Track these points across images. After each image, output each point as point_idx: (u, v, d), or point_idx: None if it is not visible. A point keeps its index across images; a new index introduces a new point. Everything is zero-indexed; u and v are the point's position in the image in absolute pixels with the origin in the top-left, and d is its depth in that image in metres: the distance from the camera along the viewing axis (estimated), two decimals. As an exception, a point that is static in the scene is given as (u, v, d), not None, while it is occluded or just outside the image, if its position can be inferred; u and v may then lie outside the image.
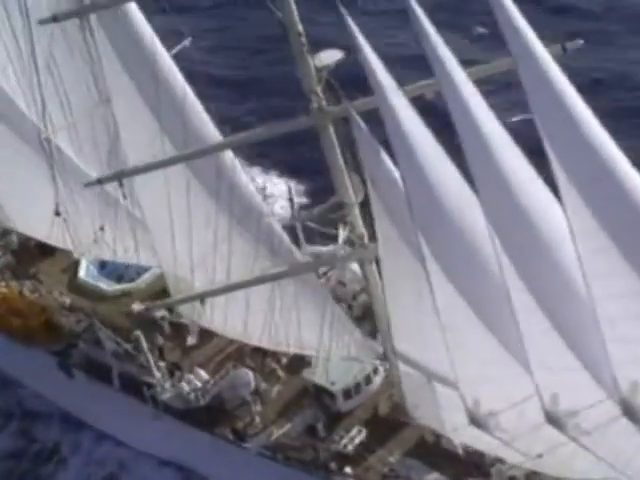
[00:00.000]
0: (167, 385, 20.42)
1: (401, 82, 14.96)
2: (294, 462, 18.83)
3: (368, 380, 19.48)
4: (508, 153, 13.83)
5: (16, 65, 19.33)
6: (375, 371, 19.49)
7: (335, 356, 18.68)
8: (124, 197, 17.48)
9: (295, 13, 15.54)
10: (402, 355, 16.81)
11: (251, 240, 17.78)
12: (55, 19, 16.24)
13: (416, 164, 14.56)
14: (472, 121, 13.61)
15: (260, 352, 20.42)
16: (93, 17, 17.15)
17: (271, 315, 18.25)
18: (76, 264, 23.92)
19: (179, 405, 20.37)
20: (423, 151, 14.57)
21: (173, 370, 20.51)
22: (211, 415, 19.82)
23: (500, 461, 17.73)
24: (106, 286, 23.05)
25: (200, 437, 19.96)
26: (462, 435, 16.84)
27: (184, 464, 20.83)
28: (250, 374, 19.72)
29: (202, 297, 18.36)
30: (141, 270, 23.21)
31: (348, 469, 18.52)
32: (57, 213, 20.92)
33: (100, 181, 17.98)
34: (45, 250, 24.28)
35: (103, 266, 23.83)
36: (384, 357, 18.77)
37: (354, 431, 18.98)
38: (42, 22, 17.46)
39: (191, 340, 20.98)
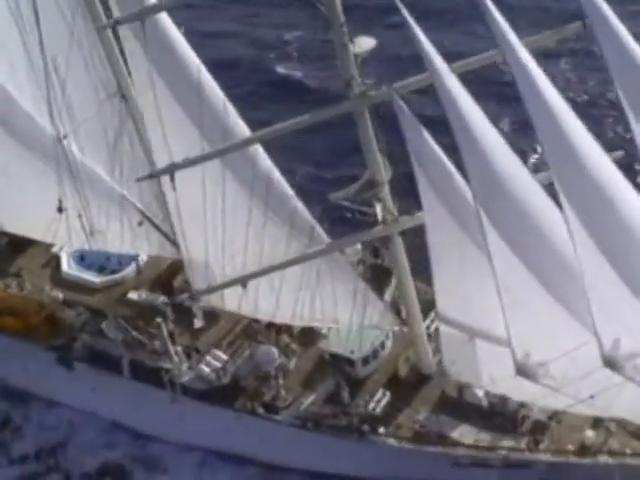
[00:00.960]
0: (185, 368, 20.98)
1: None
2: (326, 429, 19.81)
3: (383, 345, 20.65)
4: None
5: (25, 65, 19.36)
6: (387, 336, 20.68)
7: (359, 325, 19.75)
8: (174, 189, 17.89)
9: (338, 3, 16.49)
10: (444, 316, 18.01)
11: (283, 226, 18.78)
12: (117, 23, 16.43)
13: (473, 136, 15.83)
14: (537, 90, 14.81)
15: (273, 328, 21.24)
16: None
17: (305, 292, 19.12)
18: (56, 258, 24.02)
19: (200, 386, 20.97)
20: (479, 124, 15.88)
21: (190, 353, 21.07)
22: (236, 392, 20.55)
23: (524, 406, 19.26)
24: (94, 278, 23.25)
25: (225, 414, 20.62)
26: (500, 387, 18.19)
27: (208, 444, 21.44)
28: (275, 350, 20.54)
29: (244, 280, 19.01)
30: (122, 260, 23.55)
31: (382, 429, 19.65)
32: (60, 210, 21.05)
33: (152, 175, 18.69)
34: (17, 246, 24.27)
35: (82, 258, 24.00)
36: (404, 322, 20.01)
37: (379, 394, 20.10)
38: (102, 27, 18.05)
39: (198, 323, 21.55)
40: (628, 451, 18.29)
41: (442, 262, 17.54)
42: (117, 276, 23.27)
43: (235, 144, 17.73)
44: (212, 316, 21.74)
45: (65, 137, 19.49)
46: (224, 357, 21.11)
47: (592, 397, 16.87)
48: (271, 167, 18.44)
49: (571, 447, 18.61)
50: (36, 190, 21.39)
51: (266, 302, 19.94)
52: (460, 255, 17.21)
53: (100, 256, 23.72)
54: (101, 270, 23.92)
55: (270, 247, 19.01)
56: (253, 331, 21.40)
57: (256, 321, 21.39)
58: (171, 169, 18.27)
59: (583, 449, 18.49)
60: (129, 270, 23.16)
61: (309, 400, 20.17)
